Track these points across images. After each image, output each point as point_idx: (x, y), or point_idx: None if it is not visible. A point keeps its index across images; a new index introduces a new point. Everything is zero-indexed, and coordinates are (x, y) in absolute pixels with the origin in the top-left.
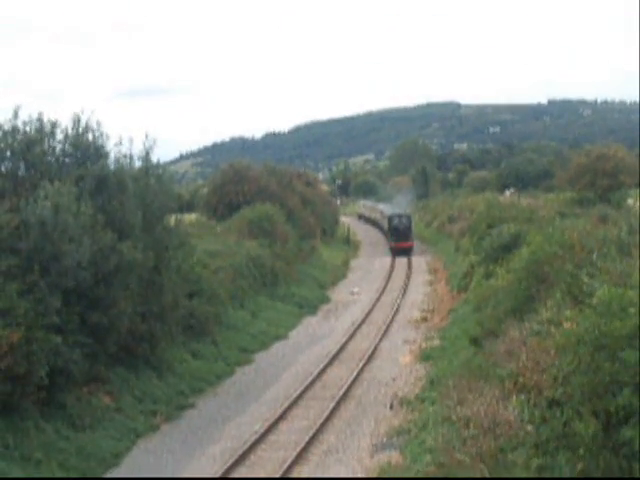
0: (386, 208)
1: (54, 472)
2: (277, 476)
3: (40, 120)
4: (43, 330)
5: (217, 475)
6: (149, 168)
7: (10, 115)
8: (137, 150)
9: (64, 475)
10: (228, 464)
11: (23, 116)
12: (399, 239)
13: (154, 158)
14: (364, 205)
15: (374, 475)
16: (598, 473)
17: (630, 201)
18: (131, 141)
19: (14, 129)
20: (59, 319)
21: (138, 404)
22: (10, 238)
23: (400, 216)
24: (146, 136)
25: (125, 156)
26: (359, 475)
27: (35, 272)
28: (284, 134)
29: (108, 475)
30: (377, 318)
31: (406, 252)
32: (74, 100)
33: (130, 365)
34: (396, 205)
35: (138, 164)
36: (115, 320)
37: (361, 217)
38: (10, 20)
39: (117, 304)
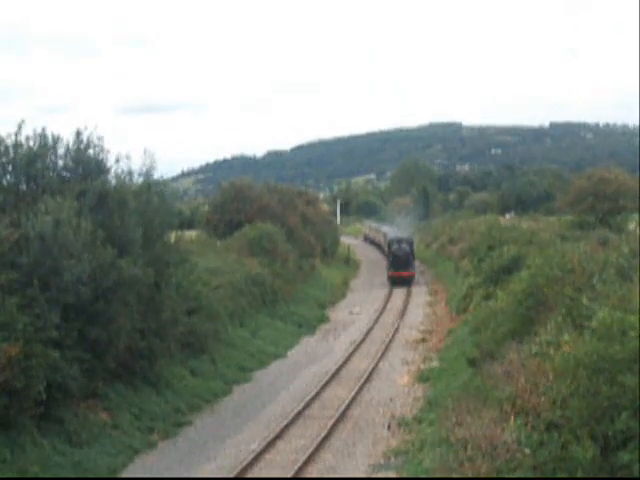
0: (390, 230)
1: None
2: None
3: (43, 135)
4: (42, 345)
5: None
6: (151, 185)
7: (13, 129)
8: (138, 166)
9: None
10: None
11: (26, 130)
12: (398, 267)
13: (156, 175)
14: (370, 227)
15: None
16: None
17: (632, 226)
18: (131, 158)
19: (17, 144)
20: (58, 334)
21: (135, 421)
22: (10, 252)
23: (400, 241)
24: (145, 152)
25: (127, 172)
26: None
27: (35, 287)
28: (286, 153)
29: None
30: (376, 338)
31: (406, 282)
32: (76, 115)
33: (128, 381)
34: (397, 227)
35: (139, 180)
36: (114, 336)
37: (366, 238)
38: (11, 32)
39: (116, 320)
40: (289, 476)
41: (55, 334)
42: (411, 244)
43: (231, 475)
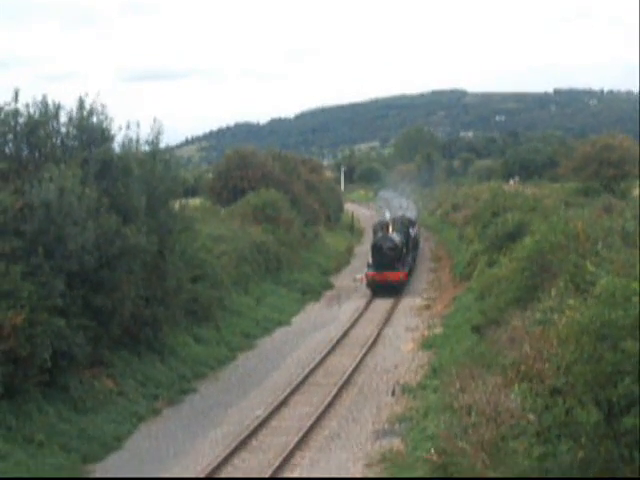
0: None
1: (56, 454)
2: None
3: (44, 102)
4: (46, 313)
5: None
6: (156, 152)
7: (10, 98)
8: (144, 134)
9: (66, 457)
10: (230, 448)
11: (26, 98)
12: (379, 266)
13: (161, 142)
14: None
15: (376, 461)
16: (599, 461)
17: (636, 192)
18: (138, 125)
19: (16, 111)
20: (63, 302)
21: (140, 388)
22: (14, 220)
23: (386, 226)
24: (154, 120)
25: (131, 140)
26: (360, 461)
27: (39, 255)
28: (289, 120)
29: (110, 457)
30: (380, 305)
31: (393, 289)
32: (80, 83)
33: (133, 349)
34: (398, 203)
35: (144, 148)
36: (118, 304)
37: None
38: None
39: (121, 288)
40: (287, 451)
41: (60, 302)
42: (407, 228)
43: (240, 438)
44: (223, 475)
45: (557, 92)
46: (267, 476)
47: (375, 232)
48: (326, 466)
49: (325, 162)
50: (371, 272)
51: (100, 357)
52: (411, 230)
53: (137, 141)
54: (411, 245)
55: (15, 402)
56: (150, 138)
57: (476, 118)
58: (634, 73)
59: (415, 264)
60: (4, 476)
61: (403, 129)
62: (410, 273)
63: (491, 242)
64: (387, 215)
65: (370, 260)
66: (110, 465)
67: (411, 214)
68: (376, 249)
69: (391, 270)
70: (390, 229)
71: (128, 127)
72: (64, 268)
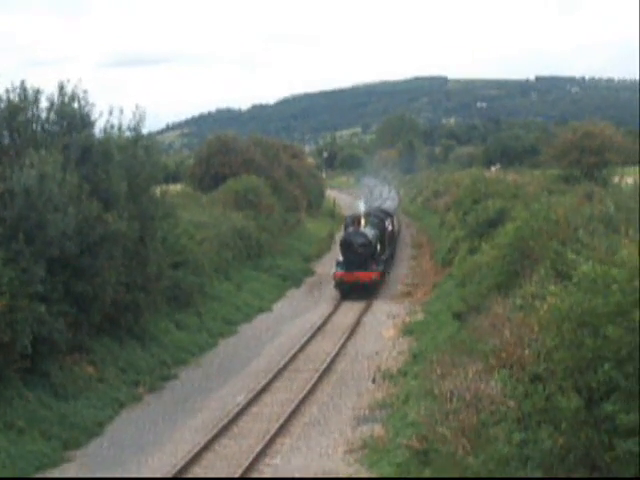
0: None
1: (36, 440)
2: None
3: (23, 88)
4: (27, 299)
5: (201, 444)
6: (138, 138)
7: None
8: (125, 120)
9: (47, 443)
10: (211, 435)
11: (5, 83)
12: (350, 265)
13: (143, 129)
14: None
15: (356, 447)
16: (579, 447)
17: (616, 179)
18: (121, 111)
19: None
20: (43, 288)
21: (121, 374)
22: None
23: (358, 220)
24: (137, 107)
25: (112, 126)
26: (341, 447)
27: (20, 241)
28: (270, 106)
29: (91, 444)
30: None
31: (364, 290)
32: (57, 69)
33: (114, 335)
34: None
35: (126, 134)
36: (99, 290)
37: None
38: None
39: (102, 274)
40: (267, 438)
41: (40, 288)
42: (382, 222)
43: (222, 423)
44: (204, 462)
45: (539, 79)
46: (248, 463)
47: (346, 227)
48: (307, 452)
49: (307, 148)
50: (340, 272)
51: (81, 343)
52: (388, 223)
53: (119, 127)
54: (387, 241)
55: None
56: (132, 124)
57: (458, 105)
58: (615, 60)
59: (393, 261)
60: None
61: (385, 116)
62: (385, 272)
63: (472, 229)
64: (361, 207)
65: (340, 258)
66: (91, 451)
67: (391, 204)
68: (346, 246)
69: (363, 269)
70: (362, 223)
71: (110, 113)
72: (45, 254)
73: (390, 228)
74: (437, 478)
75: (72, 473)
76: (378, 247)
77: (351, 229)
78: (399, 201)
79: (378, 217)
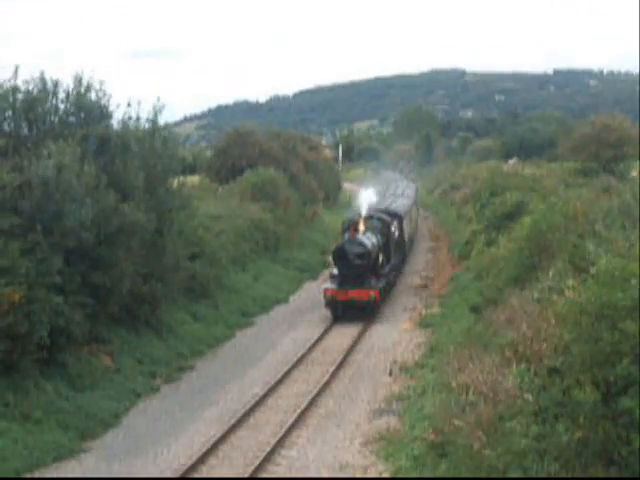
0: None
1: (53, 431)
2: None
3: (42, 79)
4: (44, 289)
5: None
6: (155, 130)
7: (10, 74)
8: (143, 112)
9: (64, 434)
10: (227, 426)
11: (24, 75)
12: (344, 281)
13: (161, 120)
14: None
15: (372, 440)
16: (597, 442)
17: (634, 173)
18: (138, 103)
19: (15, 88)
20: (61, 279)
21: (138, 365)
22: (12, 197)
23: (356, 223)
24: (157, 99)
25: (130, 117)
26: (357, 440)
27: (37, 231)
28: (288, 98)
29: (108, 434)
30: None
31: (362, 311)
32: (75, 60)
33: (131, 326)
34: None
35: (144, 126)
36: (116, 281)
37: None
38: None
39: (119, 265)
40: (283, 430)
41: (58, 279)
42: (387, 226)
43: (237, 413)
44: (220, 453)
45: (556, 72)
46: (264, 455)
47: (344, 231)
48: (323, 444)
49: (324, 141)
50: (331, 289)
51: (98, 334)
52: (394, 228)
53: (137, 119)
54: (394, 248)
55: (13, 379)
56: (150, 116)
57: (475, 97)
58: (633, 54)
59: (400, 274)
60: (1, 452)
61: (402, 108)
62: (387, 289)
63: (489, 222)
64: (363, 207)
65: (334, 271)
66: (107, 442)
67: (403, 202)
68: (339, 257)
69: (359, 286)
70: (361, 228)
71: (128, 105)
72: (62, 245)
73: (397, 233)
74: (446, 478)
75: (88, 464)
76: (380, 257)
77: (347, 236)
78: (414, 199)
79: (382, 220)
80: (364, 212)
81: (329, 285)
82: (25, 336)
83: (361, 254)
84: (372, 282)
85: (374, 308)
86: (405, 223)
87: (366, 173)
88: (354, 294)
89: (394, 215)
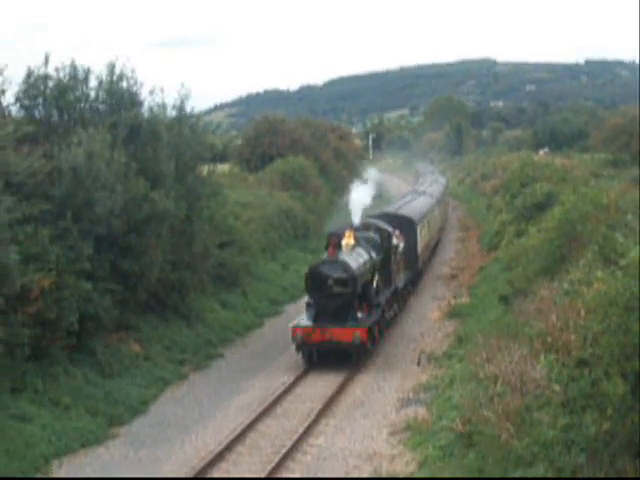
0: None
1: (82, 417)
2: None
3: (73, 66)
4: (74, 276)
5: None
6: (183, 117)
7: (41, 62)
8: (171, 99)
9: (92, 420)
10: (255, 414)
11: (55, 63)
12: (319, 314)
13: (188, 108)
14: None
15: (400, 429)
16: (624, 433)
17: None
18: (165, 91)
19: (46, 76)
20: (90, 266)
21: (167, 352)
22: (43, 184)
23: (348, 232)
24: (181, 85)
25: (159, 105)
26: (385, 429)
27: (67, 218)
28: (319, 87)
29: (136, 421)
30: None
31: (346, 356)
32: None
33: (160, 314)
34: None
35: (172, 113)
36: (146, 268)
37: None
38: None
39: (148, 252)
40: (311, 418)
41: (87, 265)
42: (387, 238)
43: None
44: (248, 441)
45: (588, 63)
46: (291, 443)
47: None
48: (350, 433)
49: (354, 130)
50: (301, 327)
51: (127, 321)
52: (397, 240)
53: (164, 106)
54: (397, 267)
55: (42, 365)
56: (177, 103)
57: (506, 88)
58: None
59: (407, 298)
60: (30, 438)
61: (433, 98)
62: (384, 325)
63: (519, 212)
64: (354, 212)
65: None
66: (135, 429)
67: (421, 202)
68: (313, 283)
69: (340, 323)
70: (348, 242)
71: (157, 92)
72: (92, 232)
73: (404, 245)
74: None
75: (116, 450)
76: (375, 281)
77: (325, 256)
78: (438, 197)
79: (380, 230)
80: (356, 219)
81: (301, 321)
82: (54, 322)
83: (343, 280)
84: (359, 317)
85: (361, 353)
86: (420, 230)
87: (395, 163)
88: (333, 333)
89: (402, 222)
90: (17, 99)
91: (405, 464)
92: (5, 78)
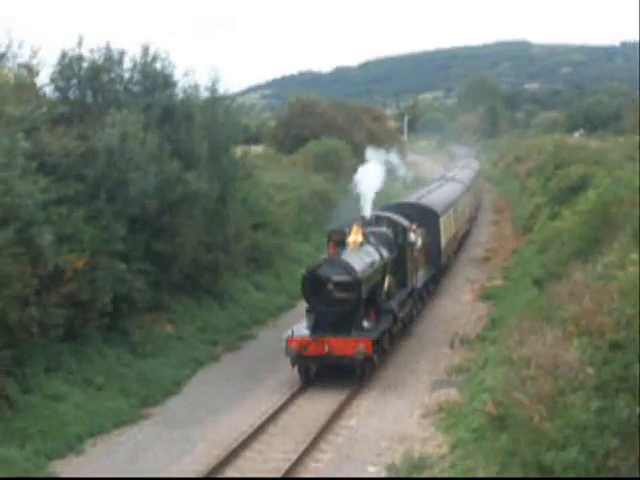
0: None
1: (115, 397)
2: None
3: (108, 48)
4: (108, 257)
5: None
6: (217, 99)
7: (74, 44)
8: (204, 81)
9: (125, 400)
10: (287, 396)
11: (90, 45)
12: (318, 325)
13: (222, 89)
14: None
15: (432, 411)
16: None
17: None
18: (198, 73)
19: (80, 57)
20: (124, 246)
21: (199, 333)
22: (77, 165)
23: (356, 228)
24: (211, 67)
25: (193, 86)
26: (417, 411)
27: (101, 199)
28: (353, 69)
29: (168, 402)
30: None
31: (350, 371)
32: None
33: (192, 294)
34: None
35: (206, 95)
36: (179, 249)
37: None
38: None
39: (181, 233)
40: (343, 398)
41: (121, 246)
42: (403, 232)
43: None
44: (280, 422)
45: (624, 45)
46: (323, 424)
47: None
48: (382, 415)
49: (388, 111)
50: (297, 338)
51: (160, 302)
52: (415, 235)
53: (197, 87)
54: (414, 265)
55: (76, 345)
56: (209, 84)
57: (541, 69)
58: None
59: (426, 300)
60: (64, 418)
61: (467, 80)
62: (395, 335)
63: (554, 195)
64: (367, 205)
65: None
66: (168, 409)
67: (448, 190)
68: (312, 287)
69: (343, 333)
70: (355, 240)
71: (191, 73)
72: (126, 213)
73: (422, 241)
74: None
75: (149, 430)
76: (386, 283)
77: (325, 256)
78: (469, 183)
79: (394, 224)
80: (367, 211)
81: (297, 330)
82: (88, 303)
83: (345, 283)
84: (365, 326)
85: (365, 369)
86: (444, 222)
87: (430, 145)
88: (333, 346)
89: (423, 213)
90: (52, 80)
91: (437, 446)
92: (40, 59)
